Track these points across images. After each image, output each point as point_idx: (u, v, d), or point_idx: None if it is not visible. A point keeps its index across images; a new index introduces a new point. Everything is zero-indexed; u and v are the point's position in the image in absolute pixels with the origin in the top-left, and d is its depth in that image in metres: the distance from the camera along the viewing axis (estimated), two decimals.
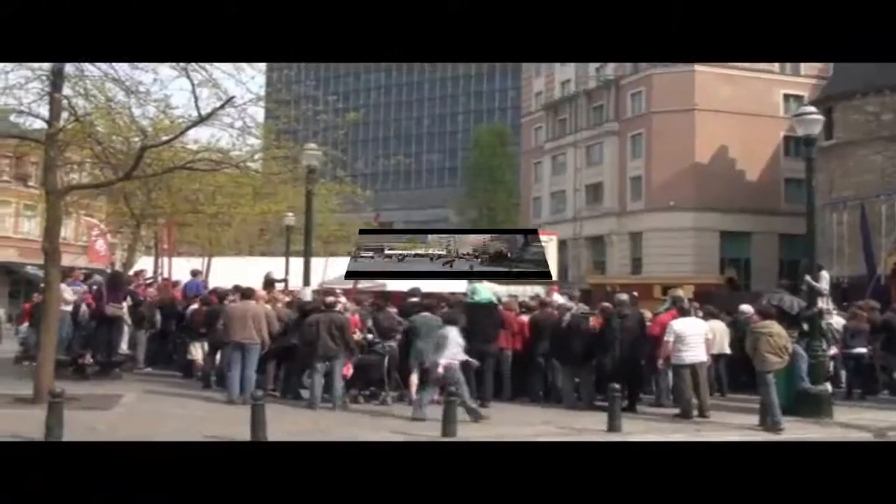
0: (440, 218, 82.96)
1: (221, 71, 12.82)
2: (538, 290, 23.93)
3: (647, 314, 16.00)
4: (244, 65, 13.02)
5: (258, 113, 24.64)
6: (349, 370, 13.88)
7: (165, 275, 22.54)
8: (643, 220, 51.21)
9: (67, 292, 16.20)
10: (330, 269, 24.49)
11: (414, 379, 13.84)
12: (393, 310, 15.50)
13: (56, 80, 13.02)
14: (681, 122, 49.12)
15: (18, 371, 17.42)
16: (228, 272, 23.47)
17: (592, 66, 55.92)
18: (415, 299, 15.30)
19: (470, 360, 12.99)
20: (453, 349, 12.48)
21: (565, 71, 59.98)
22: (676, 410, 13.51)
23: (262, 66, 14.77)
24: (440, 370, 12.25)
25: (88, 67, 13.25)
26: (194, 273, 20.01)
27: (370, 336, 14.80)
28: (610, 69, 54.72)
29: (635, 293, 18.37)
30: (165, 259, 23.94)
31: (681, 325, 13.58)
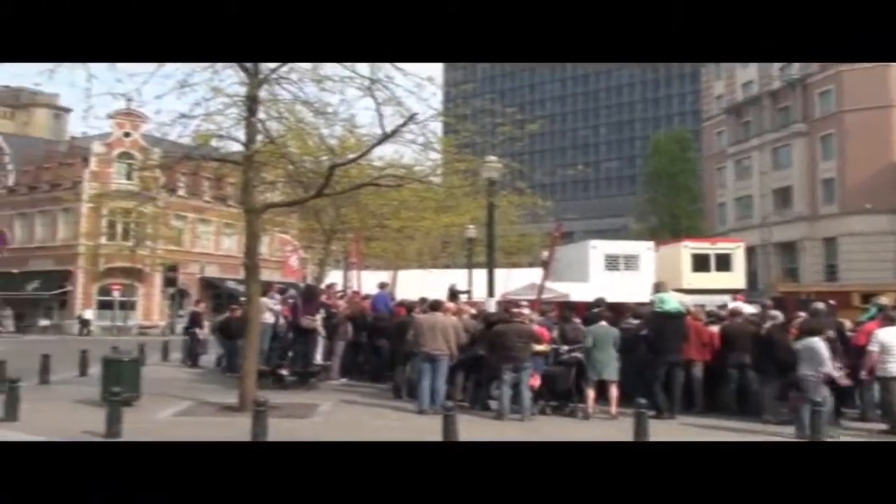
0: (620, 226, 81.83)
1: (403, 89, 13.15)
2: (725, 298, 23.20)
3: (847, 323, 15.13)
4: (425, 81, 13.29)
5: (439, 128, 25.18)
6: (537, 381, 13.83)
7: (354, 287, 23.27)
8: (837, 225, 48.64)
9: (269, 306, 16.95)
10: (512, 280, 24.63)
11: (590, 393, 13.62)
12: (578, 320, 15.37)
13: (251, 105, 13.68)
14: (876, 119, 46.45)
15: (223, 380, 18.45)
16: (413, 284, 24.03)
17: (776, 65, 53.76)
18: (599, 309, 15.05)
19: (836, 374, 12.38)
20: (822, 361, 12.12)
21: (747, 72, 58.01)
22: (884, 426, 12.68)
23: (440, 81, 15.01)
24: (814, 383, 11.86)
25: (280, 91, 13.92)
26: (382, 286, 20.53)
27: (555, 346, 14.73)
28: (795, 68, 52.42)
29: (832, 301, 17.47)
30: (354, 272, 24.72)
31: (887, 335, 12.74)
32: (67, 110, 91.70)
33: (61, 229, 53.65)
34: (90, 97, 12.98)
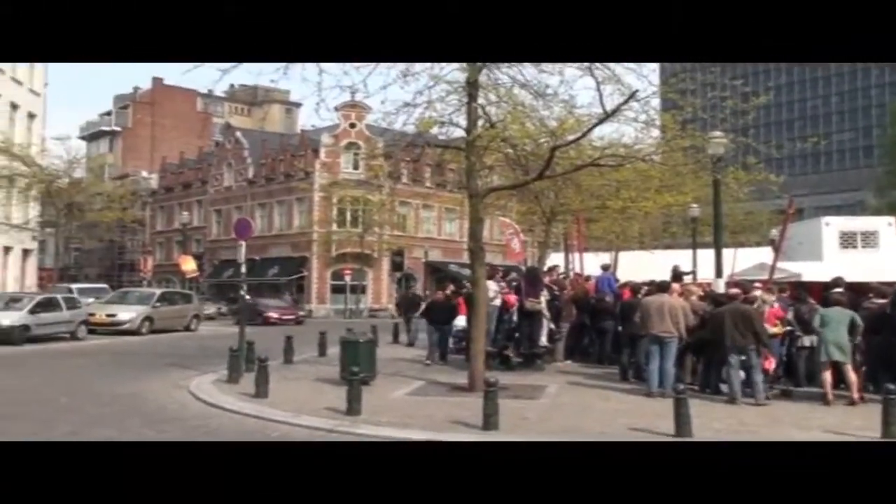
0: (855, 202, 76.81)
1: (623, 66, 12.91)
2: None
3: None
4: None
5: (658, 105, 24.58)
6: (771, 364, 13.28)
7: (576, 269, 23.20)
8: None
9: (493, 289, 17.23)
10: (739, 260, 23.76)
11: (826, 377, 12.82)
12: (813, 301, 14.59)
13: (472, 91, 13.88)
14: None
15: (452, 361, 18.92)
16: (635, 265, 23.66)
17: None
18: (838, 290, 14.18)
19: None
20: None
21: None
22: None
23: None
24: None
25: (499, 76, 14.05)
26: (605, 267, 20.38)
27: (791, 328, 14.09)
28: None
29: None
30: (575, 254, 24.65)
31: None
32: (298, 105, 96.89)
33: (296, 218, 56.92)
34: (321, 91, 13.60)
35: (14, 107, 39.99)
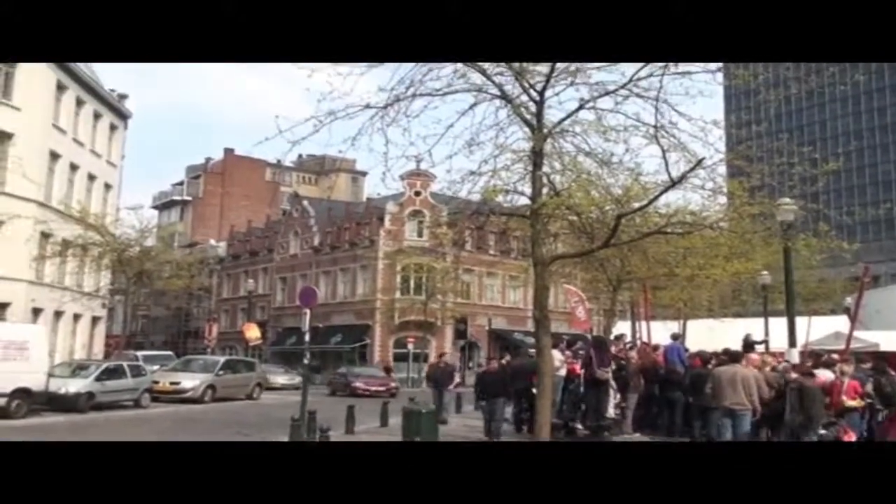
0: None
1: (688, 134, 12.79)
2: None
3: None
4: (710, 125, 12.89)
5: (726, 171, 24.26)
6: (851, 438, 12.72)
7: (643, 338, 22.75)
8: None
9: (558, 358, 16.93)
10: (813, 329, 23.11)
11: None
12: (893, 372, 14.03)
13: (536, 160, 13.82)
14: None
15: (516, 434, 18.53)
16: (703, 334, 23.12)
17: None
18: None
19: None
20: None
21: None
22: None
23: (722, 123, 14.41)
24: None
25: (564, 144, 14.05)
26: (675, 336, 19.90)
27: (871, 401, 13.53)
28: None
29: None
30: (642, 323, 24.19)
31: None
32: (364, 174, 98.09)
33: (360, 285, 57.19)
34: (387, 160, 13.65)
35: (91, 178, 41.26)
